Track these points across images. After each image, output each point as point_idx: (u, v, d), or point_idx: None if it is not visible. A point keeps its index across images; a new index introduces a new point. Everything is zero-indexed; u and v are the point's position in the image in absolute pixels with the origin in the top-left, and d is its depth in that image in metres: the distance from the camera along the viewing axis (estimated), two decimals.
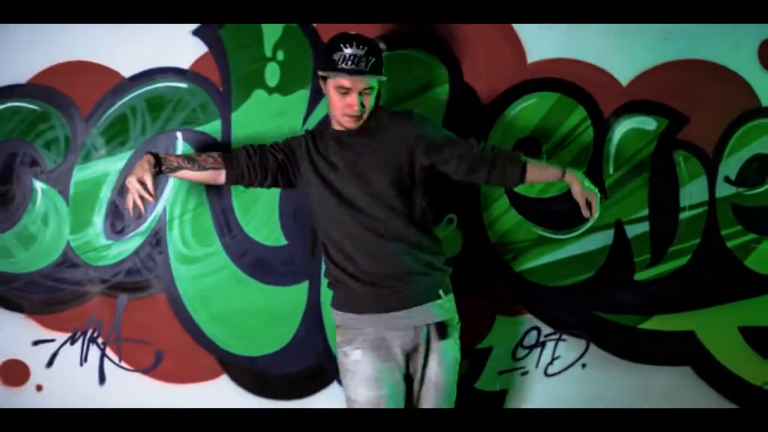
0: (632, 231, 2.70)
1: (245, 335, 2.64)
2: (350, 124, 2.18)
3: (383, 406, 2.15)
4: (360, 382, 2.18)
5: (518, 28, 2.56)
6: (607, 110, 2.64)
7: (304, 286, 2.63)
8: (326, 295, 2.55)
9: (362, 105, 2.14)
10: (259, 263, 2.62)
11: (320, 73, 2.18)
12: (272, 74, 2.56)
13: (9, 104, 2.53)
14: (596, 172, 2.64)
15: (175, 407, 2.62)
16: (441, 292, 2.24)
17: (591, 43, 2.59)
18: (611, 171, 2.67)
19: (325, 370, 2.66)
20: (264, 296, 2.62)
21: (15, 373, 2.62)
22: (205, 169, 2.22)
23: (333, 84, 2.13)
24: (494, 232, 2.67)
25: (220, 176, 2.24)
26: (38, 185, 2.56)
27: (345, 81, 2.10)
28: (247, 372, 2.65)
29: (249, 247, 2.61)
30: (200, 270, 2.61)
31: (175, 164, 2.21)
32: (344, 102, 2.14)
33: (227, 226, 2.59)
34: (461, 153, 2.20)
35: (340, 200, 2.17)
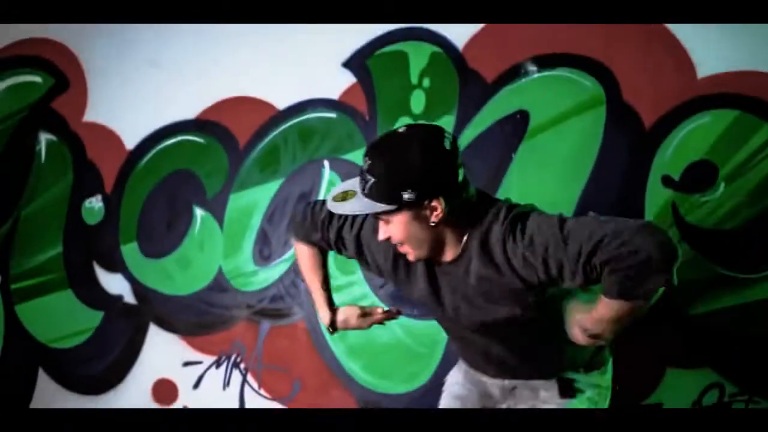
0: None
1: (382, 371, 2.53)
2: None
3: None
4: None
5: (681, 35, 2.30)
6: None
7: None
8: None
9: (389, 237, 1.54)
10: (398, 295, 2.52)
11: None
12: (417, 101, 2.53)
13: (179, 138, 2.77)
14: None
15: None
16: None
17: None
18: None
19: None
20: (403, 330, 2.51)
21: (165, 392, 2.72)
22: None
23: None
24: None
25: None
26: (198, 212, 2.73)
27: None
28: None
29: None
30: (341, 299, 2.53)
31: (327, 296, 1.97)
32: None
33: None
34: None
35: None
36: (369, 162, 1.48)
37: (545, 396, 1.82)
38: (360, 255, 1.77)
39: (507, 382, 1.86)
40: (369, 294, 2.54)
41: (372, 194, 1.48)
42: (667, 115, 2.32)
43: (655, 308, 2.28)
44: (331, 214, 1.76)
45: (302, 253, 1.92)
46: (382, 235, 1.55)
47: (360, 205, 1.50)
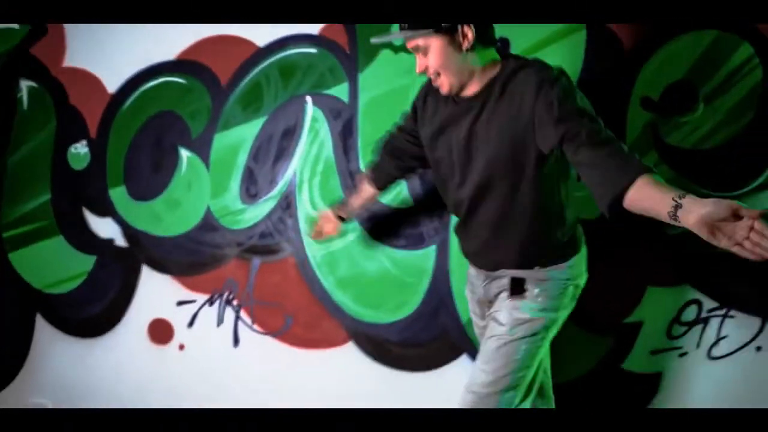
0: None
1: (372, 302, 2.57)
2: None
3: None
4: None
5: None
6: None
7: (432, 251, 2.53)
8: (455, 261, 2.42)
9: (426, 68, 1.79)
10: (386, 226, 2.56)
11: None
12: None
13: (161, 80, 2.75)
14: (766, 119, 2.27)
15: (302, 374, 2.63)
16: None
17: None
18: None
19: (453, 342, 2.51)
20: (390, 261, 2.56)
21: (161, 332, 2.78)
22: (363, 197, 2.31)
23: None
24: None
25: (377, 193, 2.31)
26: (184, 153, 2.74)
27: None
28: (373, 340, 2.58)
29: (376, 210, 2.56)
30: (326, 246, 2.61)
31: (349, 209, 2.35)
32: None
33: (355, 188, 2.58)
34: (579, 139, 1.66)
35: None
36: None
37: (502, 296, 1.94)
38: (416, 132, 2.03)
39: (484, 276, 1.99)
40: (356, 227, 2.58)
41: (412, 25, 1.73)
42: (646, 38, 2.33)
43: (636, 229, 2.35)
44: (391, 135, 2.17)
45: (362, 185, 2.31)
46: (419, 68, 1.79)
47: (402, 34, 1.75)
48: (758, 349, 2.32)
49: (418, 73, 1.81)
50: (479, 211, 1.93)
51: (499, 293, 1.99)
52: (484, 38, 1.78)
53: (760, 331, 2.31)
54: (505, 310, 1.93)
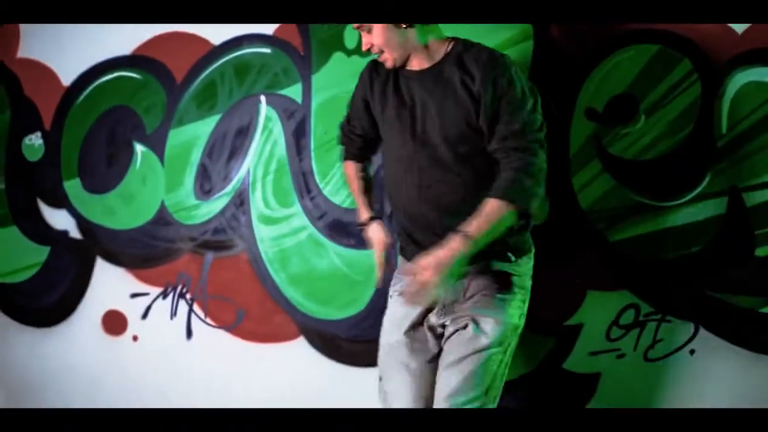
0: (752, 199, 2.35)
1: (322, 298, 2.63)
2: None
3: None
4: None
5: None
6: (719, 62, 2.34)
7: None
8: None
9: (371, 45, 1.93)
10: (336, 225, 2.60)
11: None
12: (351, 37, 2.53)
13: (116, 74, 2.76)
14: (705, 132, 2.34)
15: (253, 367, 2.69)
16: None
17: None
18: (724, 130, 2.32)
19: None
20: (341, 259, 2.61)
21: (115, 323, 2.82)
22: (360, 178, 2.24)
23: None
24: (585, 198, 2.44)
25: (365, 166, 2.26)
26: (138, 148, 2.76)
27: None
28: (323, 336, 2.65)
29: (327, 209, 2.61)
30: (280, 231, 2.65)
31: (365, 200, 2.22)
32: None
33: (306, 187, 2.62)
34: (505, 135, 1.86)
35: None
36: None
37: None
38: (369, 111, 2.09)
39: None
40: (308, 225, 2.62)
41: None
42: (592, 50, 2.39)
43: (577, 234, 2.43)
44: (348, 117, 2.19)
45: (346, 171, 2.26)
46: (365, 46, 1.92)
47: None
48: (692, 352, 2.42)
49: (364, 50, 1.94)
50: (432, 187, 1.94)
51: (474, 294, 1.97)
52: None
53: (694, 335, 2.41)
54: (491, 315, 1.95)
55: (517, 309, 2.01)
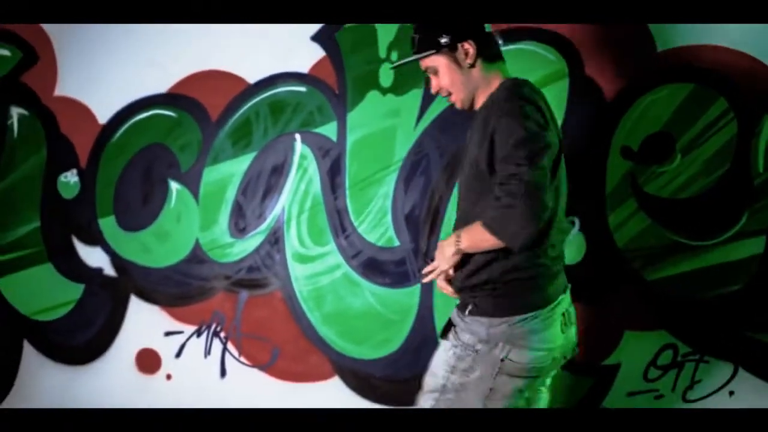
0: None
1: (357, 337, 2.63)
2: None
3: None
4: None
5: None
6: (755, 100, 2.34)
7: (416, 289, 2.59)
8: (439, 299, 2.49)
9: (439, 88, 1.93)
10: (371, 264, 2.61)
11: None
12: (386, 75, 2.57)
13: (151, 112, 2.79)
14: (742, 171, 2.34)
15: (288, 407, 2.68)
16: None
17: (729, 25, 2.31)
18: (761, 169, 2.34)
19: None
20: (375, 298, 2.61)
21: (149, 361, 2.82)
22: None
23: None
24: (621, 237, 2.44)
25: None
26: (173, 186, 2.78)
27: None
28: (357, 375, 2.65)
29: (362, 248, 2.62)
30: (315, 269, 2.66)
31: None
32: None
33: (341, 226, 2.63)
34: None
35: None
36: (415, 27, 1.92)
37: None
38: None
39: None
40: (342, 263, 2.63)
41: (417, 48, 1.90)
42: (626, 88, 2.40)
43: (614, 274, 2.42)
44: None
45: None
46: (434, 89, 1.93)
47: (411, 58, 1.93)
48: (731, 393, 2.40)
49: (433, 93, 1.95)
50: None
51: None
52: (487, 53, 1.89)
53: (733, 376, 2.39)
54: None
55: (443, 363, 1.87)
